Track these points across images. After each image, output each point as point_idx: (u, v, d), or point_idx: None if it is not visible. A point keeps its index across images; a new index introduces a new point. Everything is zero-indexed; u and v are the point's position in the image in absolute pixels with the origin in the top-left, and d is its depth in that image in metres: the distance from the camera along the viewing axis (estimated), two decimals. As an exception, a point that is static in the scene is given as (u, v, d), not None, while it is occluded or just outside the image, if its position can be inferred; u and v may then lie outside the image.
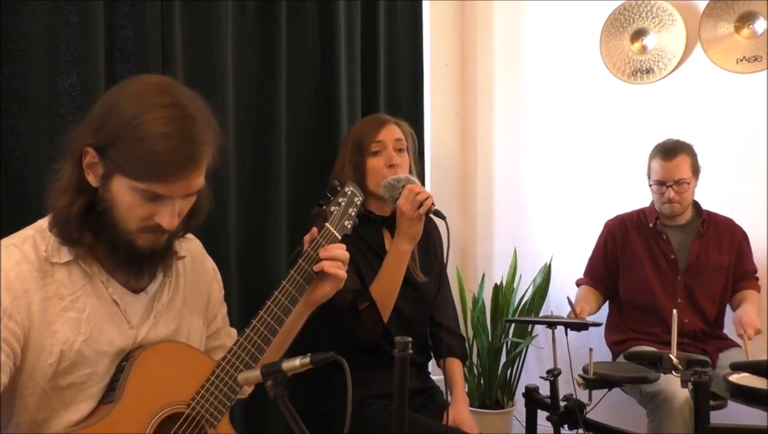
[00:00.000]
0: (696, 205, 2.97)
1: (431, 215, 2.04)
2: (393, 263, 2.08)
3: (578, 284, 3.11)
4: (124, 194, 1.25)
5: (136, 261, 1.31)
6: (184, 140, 1.23)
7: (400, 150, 2.20)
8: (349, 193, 1.70)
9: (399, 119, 2.30)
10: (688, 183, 2.84)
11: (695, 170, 2.87)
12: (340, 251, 1.58)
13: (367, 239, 2.19)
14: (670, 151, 2.86)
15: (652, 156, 2.92)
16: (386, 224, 2.25)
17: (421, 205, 2.00)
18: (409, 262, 2.17)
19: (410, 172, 2.20)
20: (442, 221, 2.02)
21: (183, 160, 1.23)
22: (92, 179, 1.28)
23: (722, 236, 2.93)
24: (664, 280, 2.90)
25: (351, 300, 2.06)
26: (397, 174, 2.11)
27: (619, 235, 3.00)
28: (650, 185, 2.92)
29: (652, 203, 2.98)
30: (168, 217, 1.26)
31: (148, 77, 1.35)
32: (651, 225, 2.94)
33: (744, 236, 2.96)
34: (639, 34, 3.38)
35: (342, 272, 1.57)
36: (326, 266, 1.55)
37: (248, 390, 1.60)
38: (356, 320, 2.07)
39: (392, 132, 2.20)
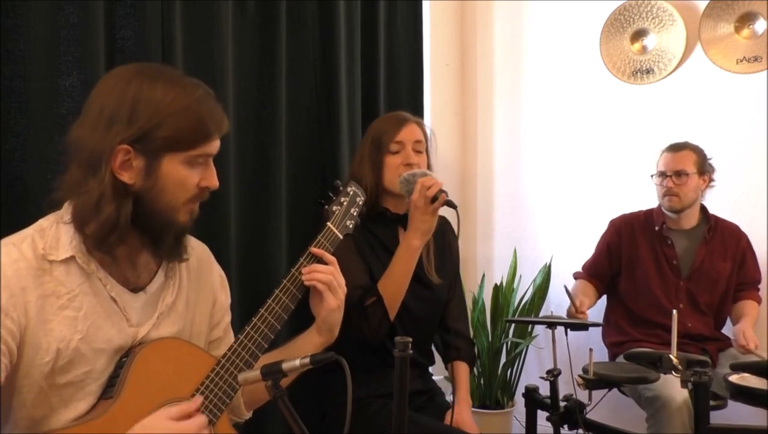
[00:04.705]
0: (703, 210, 2.97)
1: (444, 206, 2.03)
2: (403, 258, 2.07)
3: (576, 277, 3.11)
4: (177, 171, 1.31)
5: (178, 239, 1.37)
6: (212, 98, 1.37)
7: (418, 151, 2.20)
8: (351, 192, 1.70)
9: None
10: (688, 175, 2.85)
11: (700, 169, 2.87)
12: (323, 269, 1.55)
13: (381, 236, 2.19)
14: (677, 145, 2.92)
15: (661, 153, 2.95)
16: (401, 222, 2.24)
17: (434, 199, 2.00)
18: (424, 261, 2.16)
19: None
20: (453, 214, 2.02)
21: (220, 114, 1.37)
22: (128, 177, 1.29)
23: (728, 242, 2.93)
24: (666, 284, 2.90)
25: (359, 296, 2.04)
26: (413, 170, 2.12)
27: (626, 234, 3.00)
28: (652, 176, 2.94)
29: (660, 205, 2.98)
30: (213, 177, 1.37)
31: (123, 68, 1.39)
32: (657, 228, 2.94)
33: (749, 243, 2.95)
34: (639, 34, 3.39)
35: (321, 286, 1.54)
36: (305, 279, 1.53)
37: (247, 414, 1.60)
38: (362, 317, 2.05)
39: (413, 133, 2.20)
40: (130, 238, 1.33)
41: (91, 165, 1.28)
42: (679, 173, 2.85)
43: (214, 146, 1.36)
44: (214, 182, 1.37)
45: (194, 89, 1.34)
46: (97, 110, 1.30)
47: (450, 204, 2.02)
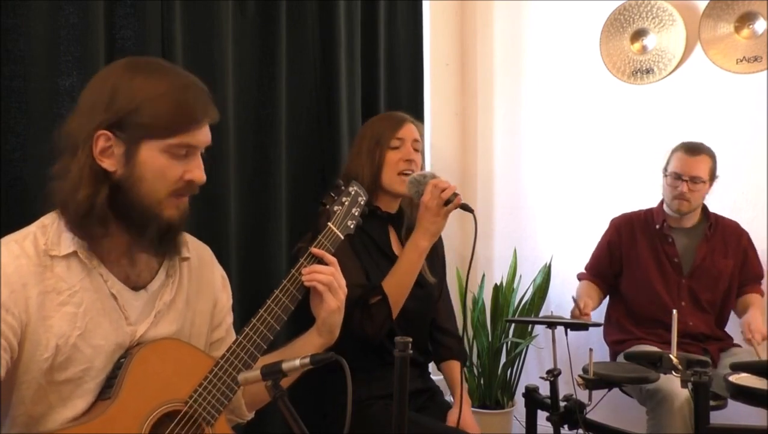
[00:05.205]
0: (704, 209, 2.97)
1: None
2: (411, 258, 2.07)
3: (579, 278, 3.11)
4: (154, 160, 1.29)
5: (165, 236, 1.33)
6: (199, 86, 1.34)
7: (416, 150, 2.23)
8: (353, 192, 1.69)
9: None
10: (704, 183, 2.84)
11: (712, 176, 2.86)
12: (323, 269, 1.55)
13: (372, 234, 2.19)
14: (694, 148, 2.87)
15: (674, 150, 2.91)
16: (392, 222, 2.25)
17: (447, 202, 2.00)
18: None
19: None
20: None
21: (206, 102, 1.33)
22: (110, 163, 1.29)
23: (728, 239, 2.93)
24: (667, 282, 2.90)
25: (359, 295, 2.03)
26: (422, 170, 2.13)
27: (626, 233, 3.00)
28: (665, 176, 2.90)
29: (661, 203, 2.97)
30: (198, 170, 1.32)
31: (114, 62, 1.39)
32: (657, 227, 2.94)
33: (749, 240, 2.95)
34: (639, 34, 3.39)
35: (321, 286, 1.54)
36: (305, 280, 1.53)
37: (249, 415, 1.60)
38: (365, 315, 2.04)
39: (412, 132, 2.24)
40: (114, 229, 1.32)
41: (72, 150, 1.30)
42: (695, 179, 2.82)
43: (198, 137, 1.32)
44: (198, 174, 1.32)
45: (177, 77, 1.33)
46: (82, 103, 1.33)
47: (466, 208, 2.03)
